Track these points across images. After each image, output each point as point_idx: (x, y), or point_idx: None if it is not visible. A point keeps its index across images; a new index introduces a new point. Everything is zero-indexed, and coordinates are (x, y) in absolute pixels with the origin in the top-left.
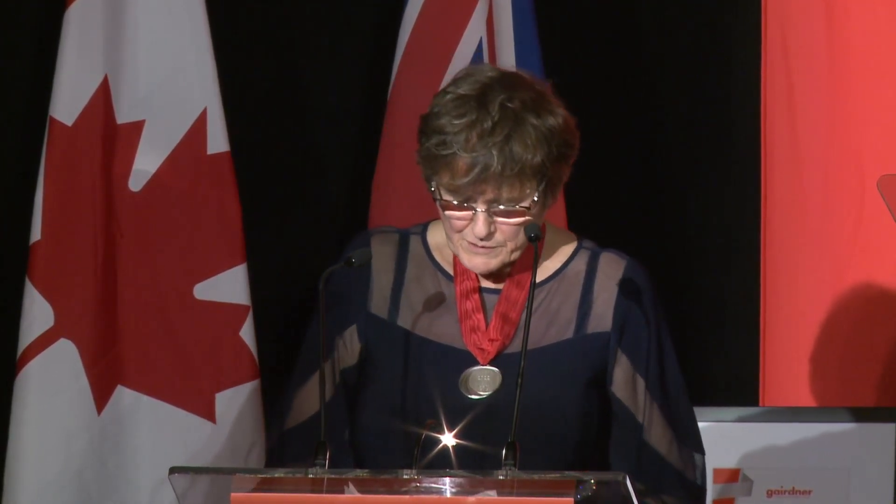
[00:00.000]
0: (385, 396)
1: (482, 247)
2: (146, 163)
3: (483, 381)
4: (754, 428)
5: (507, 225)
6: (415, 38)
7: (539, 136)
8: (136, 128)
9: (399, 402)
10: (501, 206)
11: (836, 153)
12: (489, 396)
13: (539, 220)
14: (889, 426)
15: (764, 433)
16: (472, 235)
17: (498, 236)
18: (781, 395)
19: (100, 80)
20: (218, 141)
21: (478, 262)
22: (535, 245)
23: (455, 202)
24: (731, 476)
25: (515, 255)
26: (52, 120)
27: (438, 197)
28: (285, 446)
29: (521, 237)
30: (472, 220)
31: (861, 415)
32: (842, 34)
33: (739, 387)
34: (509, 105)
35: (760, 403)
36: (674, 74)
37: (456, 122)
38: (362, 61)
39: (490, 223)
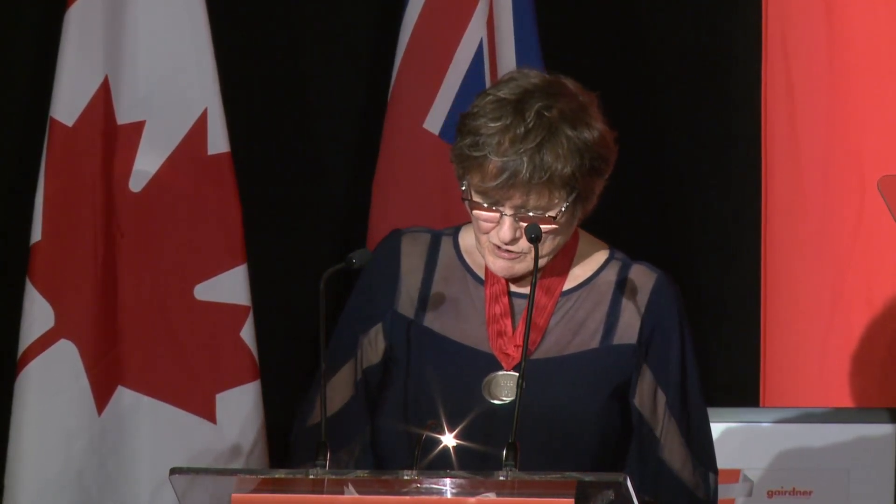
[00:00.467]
0: (409, 397)
1: (506, 251)
2: (146, 163)
3: (506, 387)
4: (755, 429)
5: None
6: (415, 39)
7: (572, 147)
8: (137, 128)
9: (422, 402)
10: (529, 213)
11: (836, 153)
12: (512, 402)
13: (568, 229)
14: (889, 427)
15: (764, 434)
16: (497, 238)
17: (522, 242)
18: (782, 396)
19: (100, 80)
20: (218, 141)
21: (501, 266)
22: (535, 245)
23: (484, 204)
24: (732, 477)
25: (541, 262)
26: (53, 120)
27: (468, 197)
28: (306, 442)
29: (548, 244)
30: (498, 223)
31: (861, 416)
32: (842, 34)
33: (740, 387)
34: (546, 114)
35: (761, 404)
36: (674, 74)
37: (491, 125)
38: (363, 62)
39: (516, 228)
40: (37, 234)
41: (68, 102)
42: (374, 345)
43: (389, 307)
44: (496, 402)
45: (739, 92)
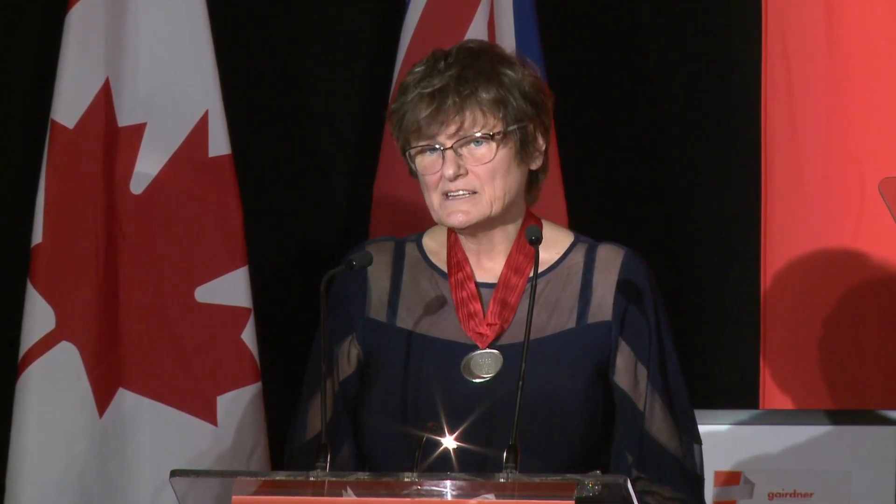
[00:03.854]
0: (390, 397)
1: (459, 196)
2: (147, 165)
3: (485, 364)
4: (755, 431)
5: (479, 166)
6: (416, 41)
7: (498, 76)
8: (138, 130)
9: (404, 400)
10: (467, 136)
11: (836, 153)
12: (492, 379)
13: (510, 169)
14: (890, 429)
15: (765, 436)
16: (446, 184)
17: (472, 179)
18: (782, 398)
19: (101, 82)
20: (219, 143)
21: (458, 216)
22: (535, 248)
23: (423, 146)
24: (733, 479)
25: (496, 207)
26: (54, 122)
27: (410, 156)
28: (300, 460)
29: (499, 185)
30: (442, 167)
31: (862, 417)
32: (842, 34)
33: (740, 390)
34: (470, 45)
35: (761, 406)
36: (674, 75)
37: (416, 70)
38: (364, 64)
39: (458, 164)
40: (38, 236)
41: (69, 104)
42: (347, 357)
43: (361, 315)
44: (477, 381)
45: (739, 92)
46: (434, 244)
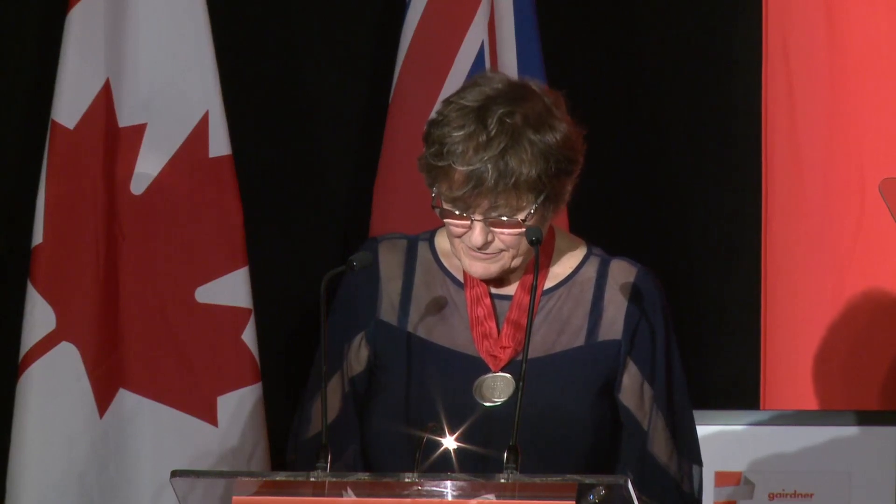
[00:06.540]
0: (397, 402)
1: (482, 254)
2: (148, 166)
3: (497, 388)
4: (755, 431)
5: (506, 234)
6: (417, 42)
7: (536, 151)
8: (138, 131)
9: (412, 408)
10: (498, 217)
11: (836, 154)
12: (504, 403)
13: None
14: (891, 429)
15: (765, 437)
16: (469, 242)
17: (497, 244)
18: (782, 399)
19: (102, 83)
20: (220, 144)
21: (478, 268)
22: (535, 248)
23: (454, 211)
24: (733, 479)
25: (517, 261)
26: (54, 123)
27: (438, 205)
28: (307, 453)
29: (523, 245)
30: (469, 228)
31: (862, 418)
32: (842, 34)
33: (740, 390)
34: (508, 120)
35: (761, 407)
36: (674, 76)
37: (455, 133)
38: (364, 65)
39: (487, 233)
40: (38, 237)
41: (70, 105)
42: (357, 354)
43: (372, 316)
44: (488, 404)
45: (740, 93)
46: (447, 245)
